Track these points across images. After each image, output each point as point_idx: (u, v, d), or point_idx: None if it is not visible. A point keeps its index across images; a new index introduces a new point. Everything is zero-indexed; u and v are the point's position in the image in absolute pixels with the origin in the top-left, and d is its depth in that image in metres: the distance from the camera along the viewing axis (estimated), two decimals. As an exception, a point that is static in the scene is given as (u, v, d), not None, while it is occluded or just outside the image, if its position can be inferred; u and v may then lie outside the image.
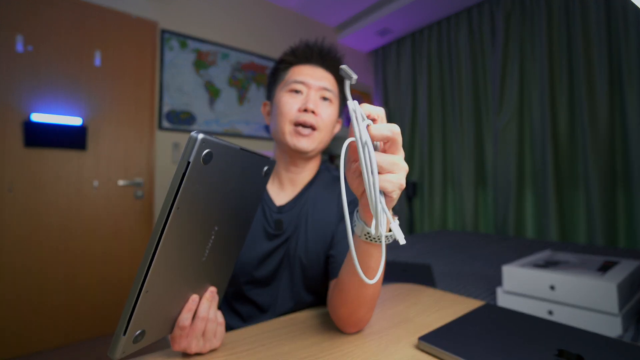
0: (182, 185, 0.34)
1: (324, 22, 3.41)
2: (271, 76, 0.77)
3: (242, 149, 0.40)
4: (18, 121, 1.81)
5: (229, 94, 2.64)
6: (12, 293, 1.76)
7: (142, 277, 0.35)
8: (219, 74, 2.60)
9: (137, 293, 0.35)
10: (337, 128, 0.77)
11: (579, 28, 2.33)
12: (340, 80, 0.74)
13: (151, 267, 0.35)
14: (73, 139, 1.94)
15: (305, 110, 0.66)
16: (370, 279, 0.46)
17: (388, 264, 1.62)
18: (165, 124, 2.32)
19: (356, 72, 3.75)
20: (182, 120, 2.39)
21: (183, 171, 0.34)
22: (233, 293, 0.71)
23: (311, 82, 0.68)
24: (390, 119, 3.66)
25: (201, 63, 2.50)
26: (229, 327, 0.70)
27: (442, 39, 3.23)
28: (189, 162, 0.34)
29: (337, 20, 3.38)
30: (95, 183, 2.04)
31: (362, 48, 3.78)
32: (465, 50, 3.04)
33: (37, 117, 1.84)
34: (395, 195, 0.35)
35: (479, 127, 2.97)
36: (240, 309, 0.70)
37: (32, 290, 1.82)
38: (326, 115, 0.69)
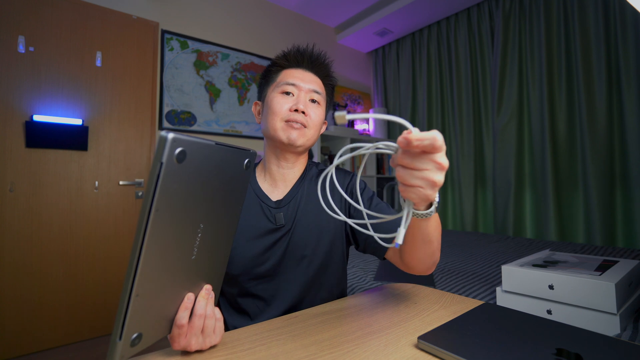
0: (158, 187, 0.33)
1: (323, 23, 3.42)
2: (263, 77, 0.81)
3: (217, 143, 0.40)
4: (19, 122, 1.81)
5: (229, 94, 2.65)
6: (13, 293, 1.76)
7: (131, 282, 0.35)
8: (219, 74, 2.60)
9: (127, 297, 0.35)
10: (323, 128, 0.82)
11: (577, 29, 2.33)
12: (327, 84, 0.80)
13: (138, 270, 0.35)
14: (74, 139, 1.95)
15: (296, 110, 0.71)
16: (431, 236, 0.55)
17: (388, 264, 1.62)
18: (166, 124, 2.32)
19: (356, 73, 3.76)
20: (182, 120, 2.40)
21: (157, 173, 0.33)
22: (238, 292, 0.72)
23: (301, 85, 0.73)
24: (390, 119, 3.65)
25: (201, 63, 2.51)
26: (235, 327, 0.70)
27: (442, 40, 3.23)
28: (161, 163, 0.33)
29: (337, 20, 3.39)
30: (96, 183, 2.04)
31: (361, 48, 3.78)
32: (464, 50, 3.04)
33: (38, 118, 1.85)
34: (421, 199, 0.42)
35: (478, 127, 2.97)
36: (247, 306, 0.71)
37: (33, 290, 1.82)
38: (315, 115, 0.74)
